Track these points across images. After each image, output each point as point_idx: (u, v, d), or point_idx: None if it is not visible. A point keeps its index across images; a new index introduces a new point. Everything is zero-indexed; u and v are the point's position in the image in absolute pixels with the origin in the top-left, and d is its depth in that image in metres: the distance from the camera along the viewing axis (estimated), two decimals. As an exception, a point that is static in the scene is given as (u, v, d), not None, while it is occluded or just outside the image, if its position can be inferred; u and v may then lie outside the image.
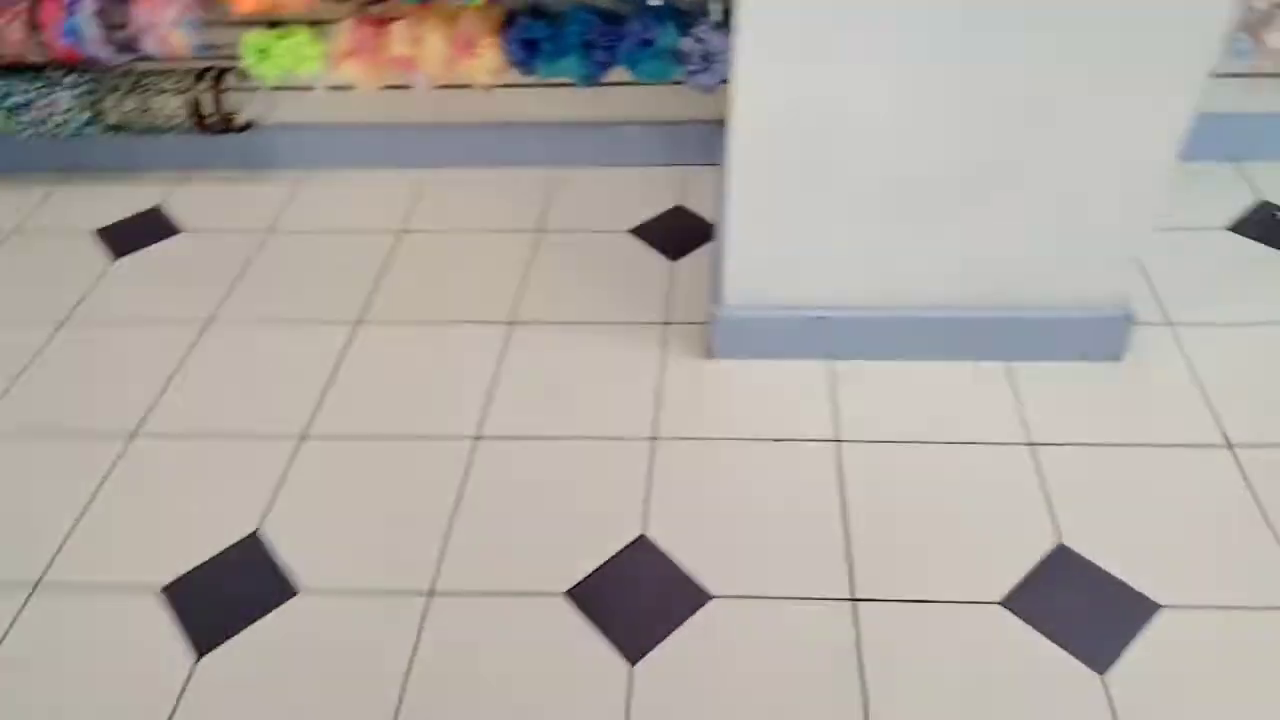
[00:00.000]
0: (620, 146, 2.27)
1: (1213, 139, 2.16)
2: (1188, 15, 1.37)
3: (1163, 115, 1.47)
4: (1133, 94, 1.45)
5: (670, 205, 2.17)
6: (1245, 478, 1.53)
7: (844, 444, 1.62)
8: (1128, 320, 1.70)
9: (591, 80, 2.00)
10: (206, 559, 1.50)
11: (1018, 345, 1.74)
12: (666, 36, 1.95)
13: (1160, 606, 1.36)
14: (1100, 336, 1.72)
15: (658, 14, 1.95)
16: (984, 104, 1.47)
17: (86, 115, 2.13)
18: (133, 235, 2.19)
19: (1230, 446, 1.58)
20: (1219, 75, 2.11)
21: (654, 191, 2.21)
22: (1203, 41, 1.40)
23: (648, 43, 1.98)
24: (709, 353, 1.80)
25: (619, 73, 1.99)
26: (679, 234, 2.09)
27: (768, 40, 1.42)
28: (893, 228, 1.62)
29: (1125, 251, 1.64)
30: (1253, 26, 1.98)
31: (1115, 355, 1.74)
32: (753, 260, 1.69)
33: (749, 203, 1.61)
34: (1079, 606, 1.38)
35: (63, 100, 2.11)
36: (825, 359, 1.77)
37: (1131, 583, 1.40)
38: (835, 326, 1.74)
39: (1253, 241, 1.99)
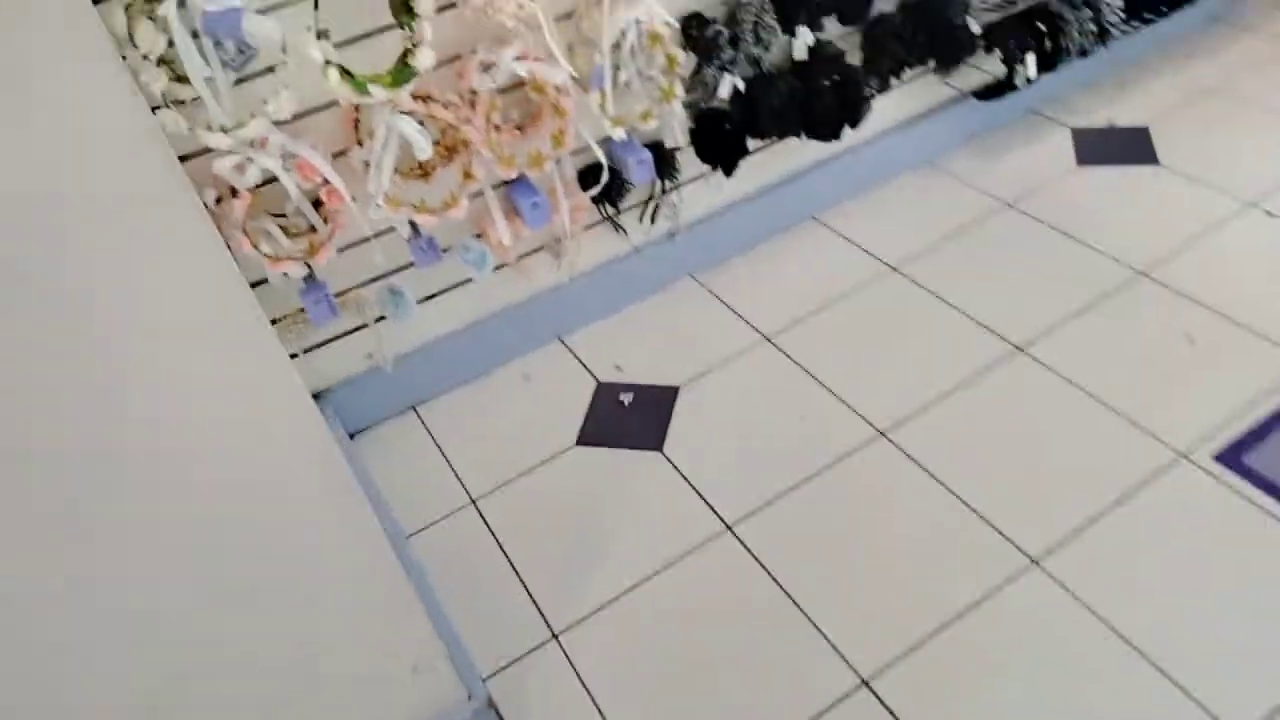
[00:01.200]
0: None
1: (501, 345, 1.83)
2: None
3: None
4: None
5: None
6: None
7: None
8: (489, 708, 1.26)
9: None
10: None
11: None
12: None
13: None
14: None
15: None
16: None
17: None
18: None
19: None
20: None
21: None
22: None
23: None
24: None
25: None
26: None
27: None
28: None
29: (431, 653, 1.17)
30: (477, 223, 1.63)
31: (509, 740, 1.30)
32: None
33: None
34: None
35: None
36: None
37: None
38: None
39: (606, 450, 1.65)
